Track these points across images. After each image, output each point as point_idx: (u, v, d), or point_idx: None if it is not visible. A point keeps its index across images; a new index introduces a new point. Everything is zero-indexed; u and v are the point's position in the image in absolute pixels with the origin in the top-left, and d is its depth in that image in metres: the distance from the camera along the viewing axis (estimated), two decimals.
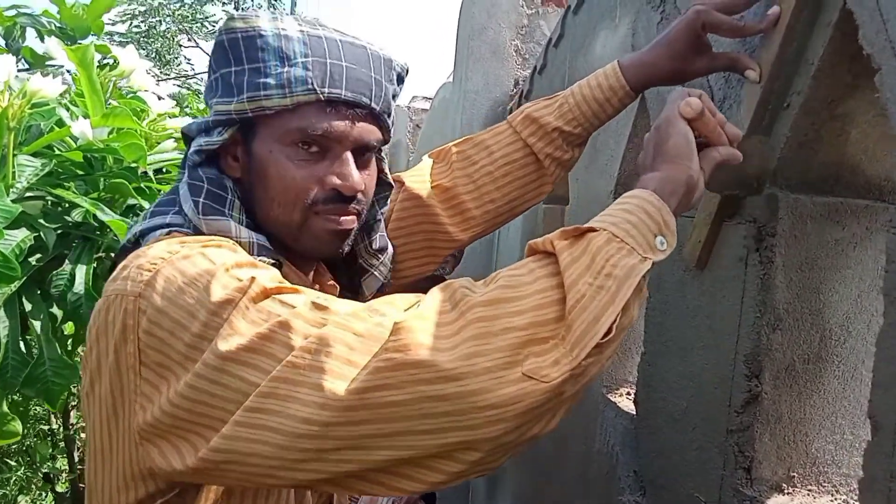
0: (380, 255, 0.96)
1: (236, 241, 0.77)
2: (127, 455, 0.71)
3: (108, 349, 0.70)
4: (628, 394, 1.47)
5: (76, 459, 2.44)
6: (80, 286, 1.02)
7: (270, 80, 0.76)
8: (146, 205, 1.19)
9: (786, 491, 0.96)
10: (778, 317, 0.94)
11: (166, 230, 0.78)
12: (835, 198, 0.95)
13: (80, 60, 1.08)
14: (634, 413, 1.33)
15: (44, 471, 2.59)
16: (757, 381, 0.96)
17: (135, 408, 0.69)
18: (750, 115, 0.96)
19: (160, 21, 11.19)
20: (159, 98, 1.38)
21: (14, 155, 0.99)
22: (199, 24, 11.59)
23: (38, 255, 1.04)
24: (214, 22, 12.06)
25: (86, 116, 1.10)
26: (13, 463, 2.89)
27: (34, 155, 1.03)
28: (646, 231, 0.69)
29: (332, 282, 0.93)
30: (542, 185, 1.03)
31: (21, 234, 0.95)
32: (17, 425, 1.11)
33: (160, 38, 11.21)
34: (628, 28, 1.47)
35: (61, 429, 2.50)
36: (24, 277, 0.97)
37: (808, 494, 0.96)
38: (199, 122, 0.84)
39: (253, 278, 0.66)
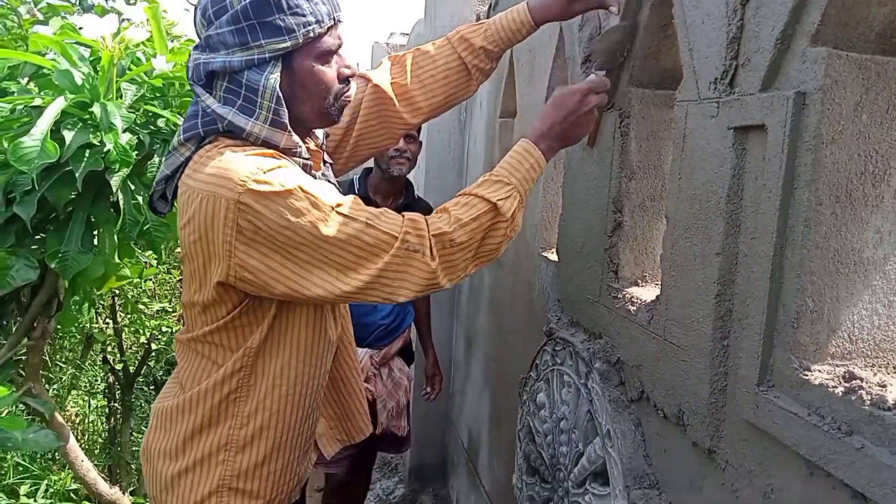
0: None
1: (281, 146, 1.17)
2: (218, 279, 1.16)
3: (210, 226, 1.11)
4: (556, 250, 1.98)
5: (125, 347, 2.96)
6: (163, 173, 1.48)
7: (311, 18, 1.14)
8: None
9: (640, 284, 1.48)
10: (632, 171, 1.44)
11: (213, 137, 1.17)
12: (669, 91, 1.43)
13: (153, 15, 1.51)
14: (557, 260, 1.85)
15: (102, 355, 3.13)
16: (620, 214, 1.46)
17: (230, 262, 1.13)
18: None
19: None
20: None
21: (116, 82, 1.44)
22: None
23: (137, 151, 1.50)
24: None
25: (154, 56, 1.54)
26: (62, 364, 3.43)
27: (130, 82, 1.49)
28: (530, 178, 1.26)
29: (315, 147, 1.35)
30: (469, 86, 1.50)
31: (127, 136, 1.41)
32: (128, 271, 1.58)
33: None
34: None
35: (112, 324, 3.02)
36: (132, 165, 1.44)
37: (655, 286, 1.48)
38: (238, 59, 1.11)
39: (322, 202, 1.11)
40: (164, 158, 1.26)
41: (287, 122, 1.18)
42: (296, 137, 1.21)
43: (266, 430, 1.29)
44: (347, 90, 1.28)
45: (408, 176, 2.57)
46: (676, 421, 1.19)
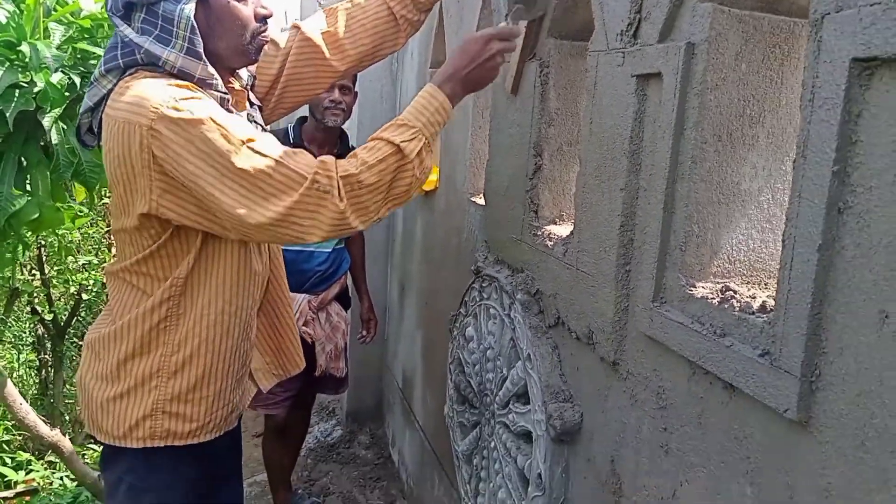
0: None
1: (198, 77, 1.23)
2: (142, 210, 1.23)
3: (127, 153, 1.18)
4: (483, 195, 2.10)
5: (53, 298, 2.93)
6: (86, 104, 1.46)
7: None
8: None
9: (557, 223, 1.61)
10: (551, 117, 1.56)
11: (135, 69, 1.23)
12: (584, 42, 1.54)
13: None
14: (484, 204, 1.96)
15: (30, 306, 3.08)
16: (540, 158, 1.58)
17: (151, 194, 1.20)
18: None
19: None
20: None
21: (43, 22, 1.44)
22: None
23: (68, 92, 1.50)
24: None
25: None
26: None
27: (57, 22, 1.48)
28: (435, 121, 1.30)
29: (239, 87, 1.42)
30: (398, 37, 1.57)
31: (58, 76, 1.42)
32: (63, 217, 1.59)
33: None
34: None
35: (39, 275, 2.97)
36: (64, 106, 1.45)
37: (570, 223, 1.61)
38: None
39: (233, 135, 1.16)
40: (86, 90, 1.29)
41: (202, 52, 1.24)
42: (211, 69, 1.27)
43: (196, 357, 1.36)
44: (265, 29, 1.34)
45: (342, 126, 2.62)
46: (587, 340, 1.34)
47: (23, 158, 1.50)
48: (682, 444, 1.07)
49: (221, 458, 1.54)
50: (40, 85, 1.35)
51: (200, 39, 1.24)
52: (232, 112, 1.32)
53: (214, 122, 1.17)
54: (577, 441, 1.41)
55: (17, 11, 1.45)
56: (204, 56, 1.25)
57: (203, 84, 1.26)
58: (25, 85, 1.41)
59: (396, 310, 3.33)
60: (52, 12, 1.52)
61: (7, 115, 1.36)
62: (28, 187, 1.52)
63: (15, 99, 1.37)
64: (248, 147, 1.18)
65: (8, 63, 1.39)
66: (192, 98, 1.19)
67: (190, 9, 1.22)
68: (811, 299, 0.80)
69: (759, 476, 0.91)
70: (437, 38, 2.53)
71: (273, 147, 1.21)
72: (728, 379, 0.94)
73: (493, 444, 1.74)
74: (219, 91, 1.29)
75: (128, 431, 1.37)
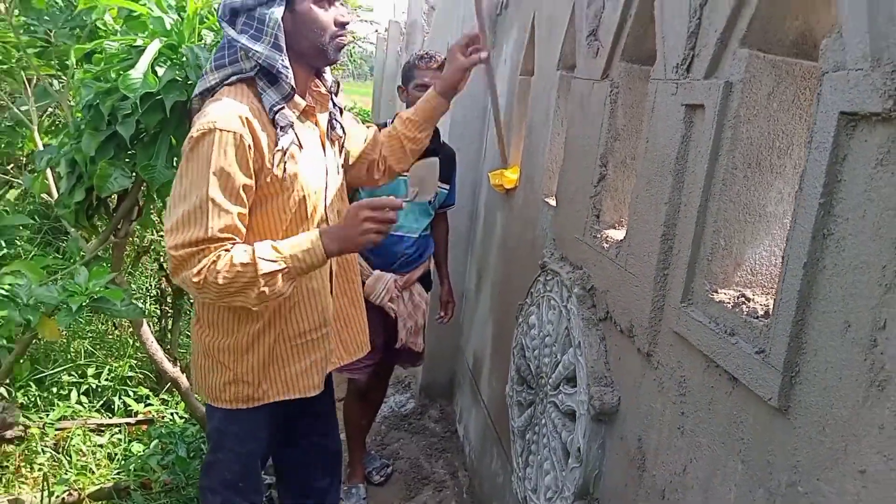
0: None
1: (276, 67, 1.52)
2: None
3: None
4: (555, 196, 2.29)
5: None
6: (196, 91, 1.83)
7: None
8: None
9: (616, 228, 1.79)
10: (617, 133, 1.73)
11: (235, 77, 1.54)
12: (647, 66, 1.70)
13: None
14: (555, 204, 2.16)
15: (157, 263, 3.54)
16: (605, 168, 1.76)
17: None
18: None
19: None
20: None
21: (198, 29, 1.78)
22: None
23: None
24: None
25: None
26: None
27: (208, 29, 1.82)
28: (304, 259, 1.57)
29: (322, 89, 1.72)
30: (404, 152, 1.97)
31: None
32: None
33: None
34: None
35: None
36: None
37: (625, 229, 1.79)
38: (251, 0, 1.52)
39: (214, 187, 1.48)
40: (199, 80, 1.62)
41: (284, 46, 1.54)
42: (287, 63, 1.55)
43: (262, 336, 1.69)
44: (342, 34, 1.62)
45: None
46: (628, 333, 1.52)
47: (173, 140, 1.85)
48: (694, 426, 1.24)
49: (295, 418, 1.88)
50: (193, 80, 1.68)
51: (284, 37, 1.53)
52: (289, 106, 1.60)
53: (218, 171, 1.47)
54: (613, 421, 1.59)
55: (179, 20, 1.78)
56: (285, 50, 1.53)
57: (278, 77, 1.54)
58: (180, 80, 1.74)
59: (473, 296, 3.56)
60: (205, 20, 1.85)
61: (166, 103, 1.70)
62: (176, 164, 1.87)
63: (173, 91, 1.70)
64: (211, 200, 1.47)
65: (169, 62, 1.73)
66: (226, 131, 1.48)
67: (279, 13, 1.53)
68: (796, 307, 0.96)
69: (749, 455, 1.08)
70: (528, 48, 2.72)
71: (216, 212, 1.49)
72: (732, 371, 1.11)
73: (543, 422, 1.95)
74: (287, 83, 1.56)
75: (217, 395, 1.74)
